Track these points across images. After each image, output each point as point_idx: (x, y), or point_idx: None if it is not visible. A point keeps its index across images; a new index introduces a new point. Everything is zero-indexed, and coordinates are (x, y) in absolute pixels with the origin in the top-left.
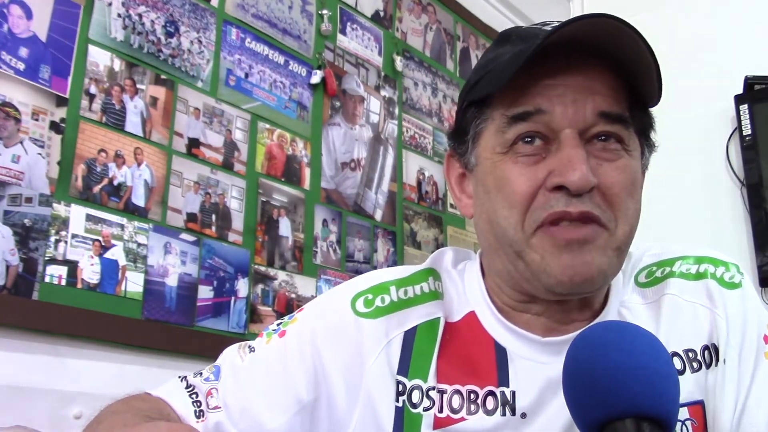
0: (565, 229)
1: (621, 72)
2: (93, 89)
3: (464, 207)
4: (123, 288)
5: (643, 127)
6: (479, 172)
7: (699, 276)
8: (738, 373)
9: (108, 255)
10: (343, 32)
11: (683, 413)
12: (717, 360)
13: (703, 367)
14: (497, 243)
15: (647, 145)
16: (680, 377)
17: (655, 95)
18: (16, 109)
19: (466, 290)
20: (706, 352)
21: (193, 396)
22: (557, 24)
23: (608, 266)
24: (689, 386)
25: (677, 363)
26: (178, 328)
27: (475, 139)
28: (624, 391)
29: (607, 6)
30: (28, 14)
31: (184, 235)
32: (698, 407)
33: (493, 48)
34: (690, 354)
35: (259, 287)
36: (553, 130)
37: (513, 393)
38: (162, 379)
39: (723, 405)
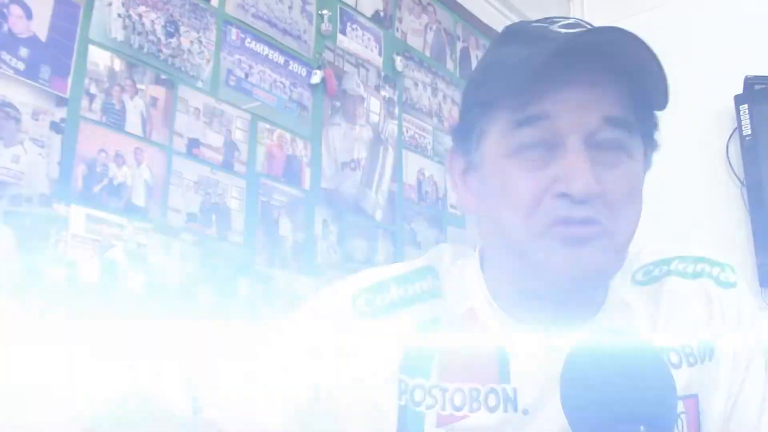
0: (568, 227)
1: (627, 76)
2: (93, 89)
3: (467, 203)
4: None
5: (648, 130)
6: (483, 172)
7: (696, 275)
8: (732, 369)
9: (108, 255)
10: (343, 32)
11: (678, 407)
12: (712, 356)
13: (698, 362)
14: (501, 242)
15: (650, 146)
16: (676, 370)
17: (662, 102)
18: (16, 109)
19: (465, 287)
20: (702, 347)
21: (190, 392)
22: (564, 23)
23: (608, 265)
24: (685, 380)
25: (674, 357)
26: None
27: (480, 138)
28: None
29: (607, 6)
30: (28, 14)
31: (184, 235)
32: (693, 401)
33: (498, 45)
34: (687, 349)
35: (259, 287)
36: (559, 135)
37: (514, 390)
38: None
39: (716, 399)
